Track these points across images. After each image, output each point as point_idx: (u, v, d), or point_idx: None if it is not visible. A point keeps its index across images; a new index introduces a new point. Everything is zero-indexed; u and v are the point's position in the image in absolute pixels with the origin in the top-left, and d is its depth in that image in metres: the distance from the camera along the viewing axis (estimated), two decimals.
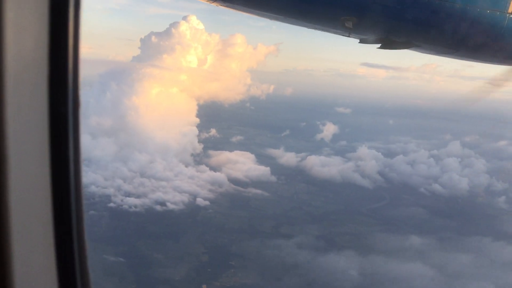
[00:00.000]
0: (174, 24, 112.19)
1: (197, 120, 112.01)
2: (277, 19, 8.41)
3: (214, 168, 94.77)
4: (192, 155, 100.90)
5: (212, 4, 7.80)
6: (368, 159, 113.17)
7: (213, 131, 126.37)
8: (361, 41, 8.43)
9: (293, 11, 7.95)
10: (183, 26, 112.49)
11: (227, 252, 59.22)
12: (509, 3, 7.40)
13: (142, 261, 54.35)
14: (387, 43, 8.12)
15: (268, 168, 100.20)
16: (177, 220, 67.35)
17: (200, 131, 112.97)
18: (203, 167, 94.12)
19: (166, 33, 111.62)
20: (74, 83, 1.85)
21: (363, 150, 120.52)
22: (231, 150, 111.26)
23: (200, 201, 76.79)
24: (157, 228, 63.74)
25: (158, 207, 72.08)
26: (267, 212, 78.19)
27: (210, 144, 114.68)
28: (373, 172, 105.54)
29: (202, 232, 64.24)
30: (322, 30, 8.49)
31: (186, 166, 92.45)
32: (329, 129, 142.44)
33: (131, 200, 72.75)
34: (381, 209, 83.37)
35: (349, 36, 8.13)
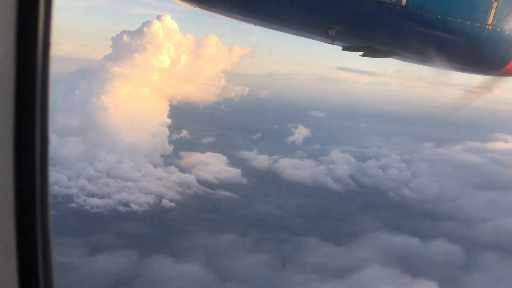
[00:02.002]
0: (147, 23, 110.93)
1: (169, 120, 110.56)
2: (261, 24, 8.38)
3: (183, 170, 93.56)
4: (162, 156, 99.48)
5: (195, 7, 7.73)
6: (340, 162, 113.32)
7: (184, 132, 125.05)
8: (344, 49, 8.47)
9: (277, 18, 7.91)
10: (156, 26, 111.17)
11: (188, 253, 58.03)
12: (489, 15, 7.42)
13: (96, 262, 52.90)
14: (369, 51, 8.19)
15: (239, 170, 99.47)
16: (140, 222, 65.96)
17: (171, 132, 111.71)
18: (172, 168, 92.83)
19: (138, 32, 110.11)
20: (43, 81, 1.82)
21: (336, 154, 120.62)
22: (203, 152, 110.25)
23: (165, 202, 75.49)
24: (118, 229, 62.25)
25: (122, 208, 70.61)
26: (236, 215, 77.29)
27: (182, 145, 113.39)
28: (345, 176, 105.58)
29: (165, 234, 62.96)
30: (306, 37, 8.51)
31: (155, 167, 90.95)
32: (301, 132, 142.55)
33: (94, 201, 71.12)
34: (350, 213, 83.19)
35: (332, 43, 8.18)
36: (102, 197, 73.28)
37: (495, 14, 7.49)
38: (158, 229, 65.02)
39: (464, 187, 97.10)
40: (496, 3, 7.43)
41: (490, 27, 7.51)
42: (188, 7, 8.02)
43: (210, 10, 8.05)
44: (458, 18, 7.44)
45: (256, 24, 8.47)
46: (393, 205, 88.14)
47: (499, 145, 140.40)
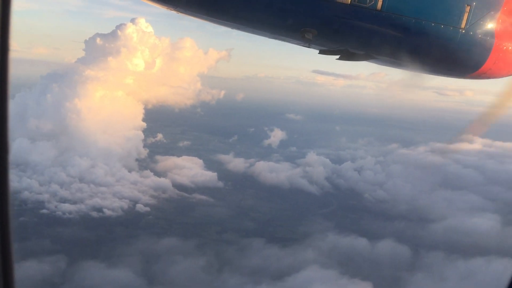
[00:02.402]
0: (120, 26, 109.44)
1: (144, 124, 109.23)
2: (238, 28, 8.32)
3: (159, 174, 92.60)
4: (136, 160, 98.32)
5: (172, 11, 7.63)
6: (316, 165, 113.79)
7: (159, 136, 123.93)
8: (321, 52, 8.54)
9: (253, 22, 7.90)
10: (130, 29, 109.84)
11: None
12: (462, 19, 7.56)
13: (67, 268, 51.79)
14: (346, 55, 8.27)
15: (215, 174, 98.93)
16: (113, 227, 64.87)
17: (146, 135, 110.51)
18: (148, 172, 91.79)
19: (112, 35, 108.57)
20: (2, 86, 1.78)
21: (312, 156, 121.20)
22: (178, 155, 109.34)
23: (140, 207, 74.54)
24: (90, 235, 61.10)
25: (94, 214, 69.41)
26: (212, 218, 76.79)
27: (157, 149, 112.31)
28: (321, 178, 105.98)
29: (139, 239, 62.05)
30: (283, 40, 8.48)
31: (130, 171, 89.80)
32: (277, 135, 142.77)
33: (66, 207, 69.76)
34: (326, 215, 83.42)
35: (309, 47, 8.22)
36: (74, 202, 71.93)
37: (468, 18, 7.64)
38: (107, 234, 63.46)
39: (423, 187, 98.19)
40: (469, 7, 7.58)
41: (463, 31, 7.66)
42: (165, 10, 7.94)
43: (186, 13, 8.01)
44: (432, 22, 7.56)
45: (232, 27, 8.46)
46: (351, 207, 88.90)
47: (463, 146, 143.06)
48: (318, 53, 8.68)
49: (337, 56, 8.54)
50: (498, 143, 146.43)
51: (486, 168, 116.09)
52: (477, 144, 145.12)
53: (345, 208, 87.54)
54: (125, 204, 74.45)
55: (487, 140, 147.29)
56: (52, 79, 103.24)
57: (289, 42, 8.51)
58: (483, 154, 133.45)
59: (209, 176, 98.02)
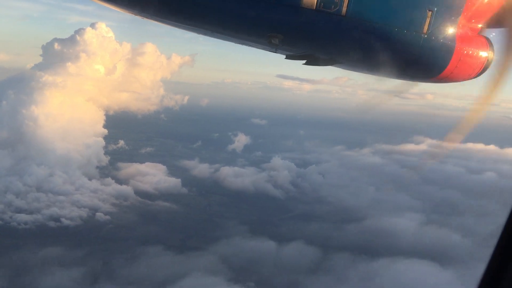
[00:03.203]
0: (79, 31, 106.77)
1: (105, 131, 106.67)
2: (204, 33, 8.28)
3: (120, 181, 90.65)
4: (97, 167, 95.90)
5: (136, 16, 7.48)
6: (281, 169, 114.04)
7: (121, 143, 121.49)
8: (287, 57, 8.59)
9: (219, 27, 7.84)
10: (89, 33, 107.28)
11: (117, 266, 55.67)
12: (424, 24, 7.68)
13: (19, 279, 49.73)
14: (312, 60, 8.32)
15: (179, 180, 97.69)
16: (71, 237, 62.78)
17: (107, 142, 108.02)
18: (109, 180, 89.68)
19: (70, 40, 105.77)
20: None
21: (277, 161, 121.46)
22: (142, 162, 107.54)
23: (100, 215, 72.55)
24: (47, 246, 58.89)
25: (52, 224, 67.11)
26: (176, 225, 75.54)
27: (119, 156, 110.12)
28: (286, 182, 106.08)
29: (97, 249, 60.24)
30: (249, 45, 8.50)
31: (90, 179, 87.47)
32: (241, 140, 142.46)
33: (22, 217, 67.24)
34: (290, 219, 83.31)
35: (275, 52, 8.25)
36: (30, 212, 69.43)
37: (429, 23, 7.74)
38: (64, 243, 61.13)
39: (355, 188, 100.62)
40: (431, 12, 7.71)
41: (426, 36, 7.76)
42: (130, 15, 7.80)
43: (151, 19, 7.91)
44: (395, 27, 7.63)
45: (199, 33, 8.44)
46: (271, 210, 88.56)
47: (409, 147, 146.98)
48: (285, 58, 8.71)
49: (304, 61, 8.58)
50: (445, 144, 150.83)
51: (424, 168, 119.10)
52: (423, 145, 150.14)
53: (262, 211, 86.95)
54: (84, 213, 72.35)
55: (435, 141, 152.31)
56: (8, 86, 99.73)
57: (256, 47, 8.55)
58: (426, 155, 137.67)
59: (173, 183, 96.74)
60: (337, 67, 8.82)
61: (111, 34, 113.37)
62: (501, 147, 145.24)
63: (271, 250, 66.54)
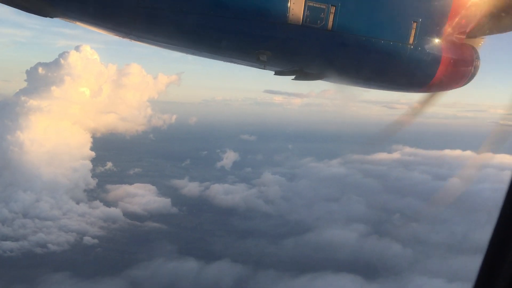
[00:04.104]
0: (63, 55, 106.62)
1: (92, 153, 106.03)
2: (191, 53, 8.35)
3: (109, 204, 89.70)
4: (85, 191, 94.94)
5: (123, 38, 7.57)
6: (271, 184, 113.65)
7: (109, 165, 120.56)
8: (276, 73, 8.59)
9: (207, 46, 7.89)
10: (74, 56, 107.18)
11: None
12: (410, 35, 7.78)
13: None
14: (301, 75, 8.33)
15: (169, 200, 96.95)
16: (58, 262, 61.64)
17: (95, 165, 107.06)
18: (97, 203, 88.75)
19: (55, 64, 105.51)
20: None
21: (267, 176, 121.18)
22: (131, 183, 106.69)
23: (88, 239, 71.54)
24: (32, 272, 57.72)
25: (38, 250, 66.02)
26: (166, 246, 74.58)
27: (108, 178, 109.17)
28: (277, 197, 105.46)
29: (84, 273, 59.12)
30: (238, 63, 8.51)
31: (78, 203, 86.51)
32: (229, 157, 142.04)
33: (8, 244, 66.16)
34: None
35: (264, 69, 8.23)
36: (16, 239, 68.30)
37: (415, 34, 7.85)
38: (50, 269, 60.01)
39: (311, 200, 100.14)
40: (416, 23, 7.80)
41: (412, 47, 7.87)
42: (117, 38, 7.77)
43: (139, 41, 7.90)
44: (382, 40, 7.73)
45: (187, 52, 8.48)
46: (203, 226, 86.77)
47: (381, 156, 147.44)
48: (274, 74, 8.71)
49: (293, 77, 8.59)
50: (421, 151, 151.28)
51: (389, 177, 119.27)
52: (397, 153, 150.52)
53: (191, 229, 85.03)
54: (71, 237, 71.35)
55: (411, 149, 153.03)
56: None
57: (244, 64, 8.57)
58: (397, 163, 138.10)
59: (163, 203, 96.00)
60: (327, 81, 8.84)
61: (96, 56, 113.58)
62: (478, 152, 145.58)
63: (193, 270, 64.78)
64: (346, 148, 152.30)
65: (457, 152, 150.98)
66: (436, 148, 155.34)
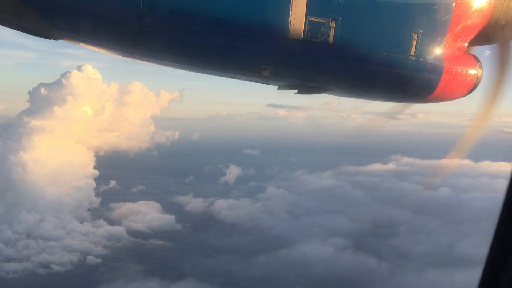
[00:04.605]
0: (65, 75, 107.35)
1: (96, 172, 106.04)
2: (193, 70, 8.41)
3: (112, 222, 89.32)
4: (88, 210, 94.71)
5: (126, 57, 7.67)
6: (276, 198, 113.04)
7: (113, 183, 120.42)
8: (279, 88, 8.64)
9: (210, 63, 7.94)
10: (75, 76, 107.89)
11: None
12: (411, 47, 7.81)
13: None
14: (304, 89, 8.38)
15: (173, 217, 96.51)
16: (61, 283, 61.20)
17: (98, 183, 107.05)
18: (101, 221, 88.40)
19: (57, 84, 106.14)
20: None
21: (272, 190, 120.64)
22: (135, 201, 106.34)
23: (91, 259, 71.14)
24: None
25: (41, 271, 65.65)
26: (171, 263, 74.02)
27: (111, 197, 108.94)
28: (282, 211, 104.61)
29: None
30: (241, 79, 8.60)
31: (81, 223, 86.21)
32: (232, 172, 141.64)
33: (11, 266, 65.86)
34: (258, 251, 79.31)
35: (267, 84, 8.29)
36: (20, 261, 68.05)
37: (416, 45, 7.87)
38: None
39: (294, 214, 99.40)
40: (416, 35, 7.86)
41: (414, 58, 7.88)
42: (120, 57, 7.83)
43: (142, 60, 7.95)
44: (383, 52, 7.75)
45: (190, 70, 8.49)
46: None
47: (375, 167, 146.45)
48: (277, 89, 8.72)
49: (296, 90, 8.56)
50: (418, 161, 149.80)
51: (379, 188, 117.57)
52: (392, 164, 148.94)
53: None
54: (75, 257, 70.97)
55: (409, 159, 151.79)
56: None
57: (247, 80, 8.62)
58: (391, 174, 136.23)
59: (167, 220, 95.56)
60: (329, 94, 8.85)
61: (98, 75, 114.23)
62: (476, 161, 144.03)
63: None
64: (344, 159, 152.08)
65: (455, 161, 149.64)
66: (437, 157, 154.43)
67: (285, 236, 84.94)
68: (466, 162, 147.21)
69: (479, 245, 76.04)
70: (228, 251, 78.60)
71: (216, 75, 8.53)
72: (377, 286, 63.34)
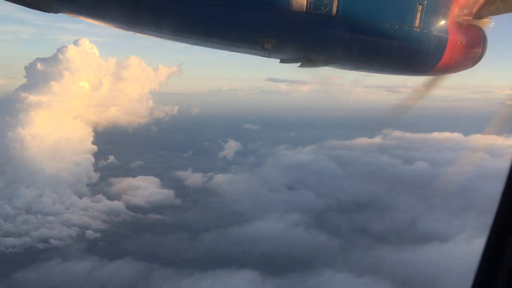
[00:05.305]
0: (61, 49, 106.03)
1: (95, 147, 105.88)
2: (196, 43, 8.29)
3: (112, 197, 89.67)
4: (88, 185, 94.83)
5: (127, 31, 7.55)
6: (275, 172, 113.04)
7: (111, 158, 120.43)
8: (281, 61, 8.59)
9: (211, 36, 7.88)
10: (72, 51, 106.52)
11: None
12: (415, 19, 7.73)
13: None
14: (307, 62, 8.30)
15: (172, 192, 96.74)
16: (59, 257, 61.57)
17: (97, 159, 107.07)
18: (100, 196, 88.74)
19: (53, 59, 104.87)
20: None
21: (271, 164, 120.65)
22: (134, 176, 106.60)
23: (90, 233, 71.60)
24: (34, 268, 57.69)
25: (40, 245, 66.15)
26: (170, 238, 74.36)
27: (110, 172, 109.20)
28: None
29: (86, 267, 59.08)
30: (243, 52, 8.53)
31: (80, 198, 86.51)
32: (231, 147, 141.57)
33: (10, 240, 66.34)
34: (239, 227, 76.97)
35: (269, 57, 8.24)
36: (19, 235, 68.48)
37: (421, 17, 7.83)
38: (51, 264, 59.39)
39: (264, 189, 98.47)
40: (421, 6, 7.79)
41: (418, 30, 7.84)
42: (121, 31, 7.82)
43: (143, 34, 7.98)
44: (387, 24, 7.72)
45: (192, 43, 8.47)
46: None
47: (360, 141, 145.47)
48: (279, 62, 8.72)
49: (298, 64, 8.59)
50: (408, 135, 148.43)
51: (357, 163, 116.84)
52: (378, 138, 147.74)
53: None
54: (74, 232, 71.46)
55: (400, 132, 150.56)
56: None
57: (249, 53, 8.56)
58: (374, 148, 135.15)
59: (166, 194, 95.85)
60: (332, 67, 8.81)
61: (94, 50, 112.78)
62: (466, 134, 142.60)
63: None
64: (333, 134, 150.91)
65: (445, 135, 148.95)
66: (435, 131, 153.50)
67: (245, 212, 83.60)
68: (456, 135, 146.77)
69: (441, 220, 75.46)
70: (180, 229, 76.13)
71: (218, 48, 8.51)
72: (321, 263, 60.88)
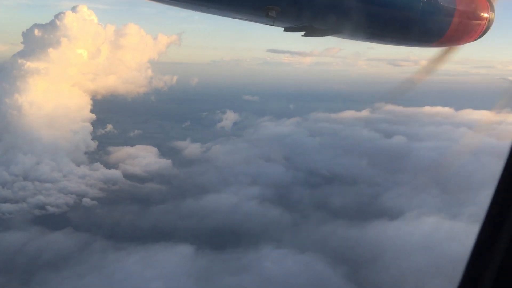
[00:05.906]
0: (59, 16, 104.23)
1: (93, 116, 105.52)
2: (199, 10, 8.18)
3: (109, 166, 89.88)
4: (85, 153, 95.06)
5: None
6: (274, 144, 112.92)
7: (110, 127, 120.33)
8: (286, 30, 8.48)
9: (216, 2, 7.86)
10: (70, 17, 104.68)
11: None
12: None
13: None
14: (311, 31, 8.23)
15: (170, 161, 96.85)
16: (55, 224, 62.03)
17: (95, 127, 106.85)
18: (98, 165, 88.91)
19: (51, 25, 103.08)
20: None
21: (270, 135, 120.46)
22: (132, 145, 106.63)
23: (86, 201, 72.03)
24: (29, 235, 58.21)
25: (37, 212, 66.68)
26: (166, 207, 74.69)
27: (109, 140, 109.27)
28: (279, 157, 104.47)
29: (82, 235, 59.53)
30: (247, 20, 8.48)
31: (78, 165, 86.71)
32: (229, 118, 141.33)
33: (7, 206, 66.81)
34: (192, 200, 74.99)
35: (273, 25, 8.16)
36: (16, 202, 68.95)
37: None
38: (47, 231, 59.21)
39: (228, 163, 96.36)
40: None
41: (424, 0, 7.74)
42: None
43: None
44: None
45: (194, 9, 8.34)
46: None
47: (346, 114, 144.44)
48: (283, 31, 8.59)
49: (302, 33, 8.47)
50: (398, 109, 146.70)
51: (336, 136, 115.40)
52: (365, 111, 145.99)
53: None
54: (70, 199, 71.90)
55: (392, 106, 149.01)
56: None
57: (253, 21, 8.48)
58: (359, 121, 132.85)
59: (164, 164, 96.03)
60: (337, 37, 8.71)
61: (93, 16, 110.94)
62: (458, 109, 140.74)
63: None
64: (321, 106, 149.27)
65: (436, 109, 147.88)
66: (427, 105, 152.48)
67: (207, 184, 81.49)
68: (446, 110, 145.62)
69: (402, 196, 73.15)
70: (135, 201, 74.39)
71: (221, 15, 8.39)
72: (266, 238, 57.92)
